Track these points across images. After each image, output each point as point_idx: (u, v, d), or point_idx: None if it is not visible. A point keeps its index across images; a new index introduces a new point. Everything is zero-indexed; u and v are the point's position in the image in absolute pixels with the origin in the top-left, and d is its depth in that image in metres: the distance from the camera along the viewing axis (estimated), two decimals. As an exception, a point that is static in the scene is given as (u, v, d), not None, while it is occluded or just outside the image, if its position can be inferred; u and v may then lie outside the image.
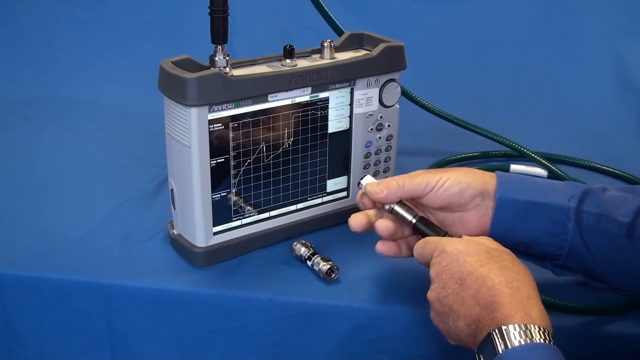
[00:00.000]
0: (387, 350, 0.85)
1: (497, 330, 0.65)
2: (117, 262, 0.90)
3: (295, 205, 0.96)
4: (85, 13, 1.55)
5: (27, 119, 1.36)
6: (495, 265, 0.69)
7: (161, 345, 0.88)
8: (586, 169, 1.20)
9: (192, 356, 0.88)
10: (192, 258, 0.90)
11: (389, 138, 1.00)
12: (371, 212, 0.83)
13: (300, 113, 0.91)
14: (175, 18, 1.54)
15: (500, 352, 0.64)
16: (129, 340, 0.89)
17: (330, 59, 0.94)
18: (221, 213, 0.89)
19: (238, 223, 0.92)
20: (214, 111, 0.83)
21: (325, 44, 0.94)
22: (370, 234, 0.83)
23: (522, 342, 0.63)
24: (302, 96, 0.90)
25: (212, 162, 0.86)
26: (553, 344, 0.64)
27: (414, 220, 0.80)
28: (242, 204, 0.91)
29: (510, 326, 0.64)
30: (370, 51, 0.96)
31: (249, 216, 0.93)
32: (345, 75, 0.92)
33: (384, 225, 0.81)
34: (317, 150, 0.94)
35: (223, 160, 0.87)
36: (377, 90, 0.96)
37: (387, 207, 0.81)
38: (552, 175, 1.14)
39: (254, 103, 0.86)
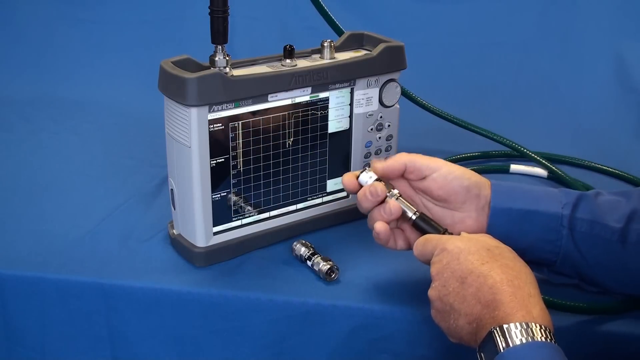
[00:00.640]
0: (387, 350, 0.85)
1: (498, 329, 0.65)
2: (117, 262, 0.90)
3: (295, 205, 0.96)
4: (85, 13, 1.55)
5: (27, 119, 1.36)
6: (496, 264, 0.69)
7: (161, 345, 0.88)
8: (586, 169, 1.20)
9: (192, 356, 0.88)
10: (192, 258, 0.90)
11: (389, 138, 1.00)
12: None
13: (300, 113, 0.91)
14: (175, 18, 1.54)
15: (502, 350, 0.64)
16: (129, 340, 0.89)
17: (330, 59, 0.94)
18: (221, 213, 0.89)
19: (238, 223, 0.92)
20: (214, 111, 0.83)
21: (325, 44, 0.94)
22: (370, 234, 0.83)
23: (524, 341, 0.63)
24: (302, 96, 0.90)
25: (212, 162, 0.86)
26: (554, 342, 0.64)
27: (414, 217, 0.80)
28: (242, 204, 0.91)
29: (512, 324, 0.64)
30: (370, 51, 0.96)
31: (249, 216, 0.92)
32: (345, 75, 0.92)
33: (396, 205, 0.80)
34: (317, 150, 0.94)
35: (223, 160, 0.87)
36: (377, 90, 0.96)
37: (389, 194, 0.81)
38: (552, 175, 1.14)
39: (254, 103, 0.86)
